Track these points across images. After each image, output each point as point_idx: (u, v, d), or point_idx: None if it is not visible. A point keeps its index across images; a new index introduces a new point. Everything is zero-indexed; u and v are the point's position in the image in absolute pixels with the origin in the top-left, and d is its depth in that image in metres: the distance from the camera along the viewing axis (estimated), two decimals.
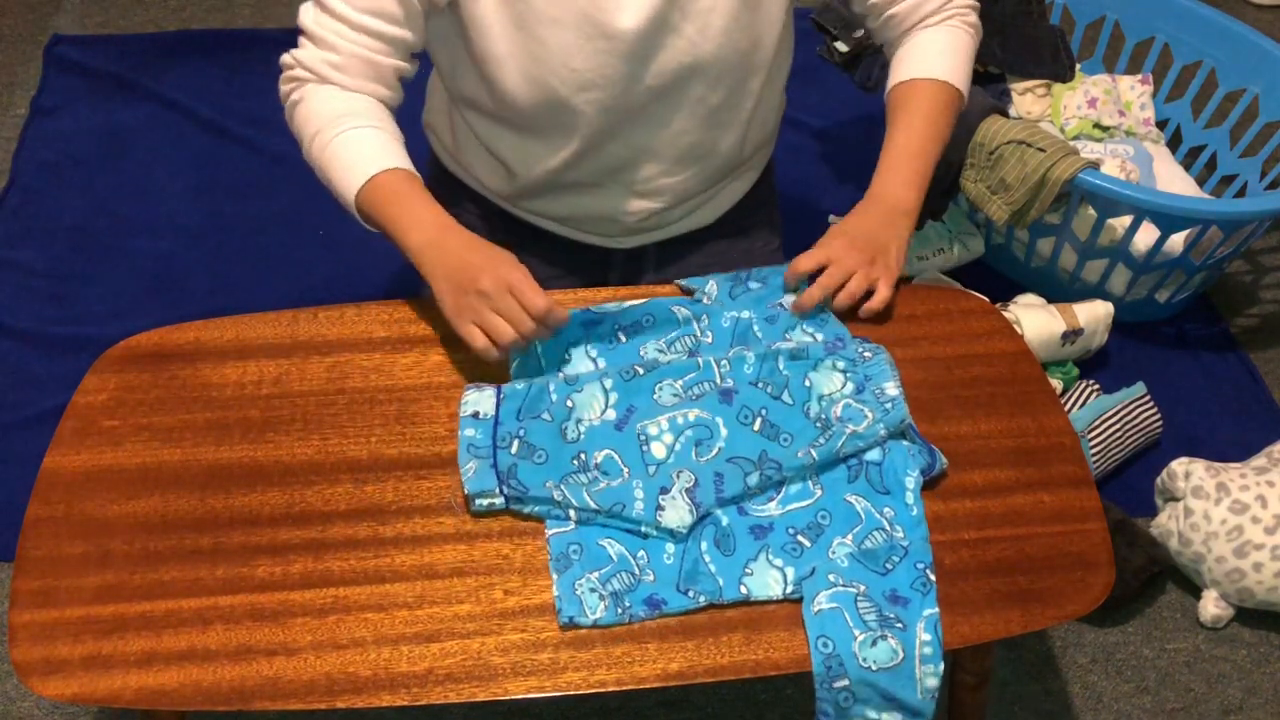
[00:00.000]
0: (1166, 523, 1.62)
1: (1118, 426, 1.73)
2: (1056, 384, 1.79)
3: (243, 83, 2.41)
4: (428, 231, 1.08)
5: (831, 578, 0.93)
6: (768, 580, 0.94)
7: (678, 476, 0.98)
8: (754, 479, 0.99)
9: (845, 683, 0.90)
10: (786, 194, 1.50)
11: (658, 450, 1.01)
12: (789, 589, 0.94)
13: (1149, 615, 1.64)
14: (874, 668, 0.90)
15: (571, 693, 0.88)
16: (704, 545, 0.96)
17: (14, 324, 1.91)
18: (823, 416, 1.03)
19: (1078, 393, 1.77)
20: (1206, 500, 1.57)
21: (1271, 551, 1.54)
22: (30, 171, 2.19)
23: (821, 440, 1.01)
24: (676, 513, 0.96)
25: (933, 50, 1.23)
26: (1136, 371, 1.93)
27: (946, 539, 0.99)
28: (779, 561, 0.95)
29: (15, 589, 0.92)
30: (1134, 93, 2.18)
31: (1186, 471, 1.60)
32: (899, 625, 0.91)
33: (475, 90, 1.20)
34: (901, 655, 0.90)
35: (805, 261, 1.14)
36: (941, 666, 0.91)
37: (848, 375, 1.05)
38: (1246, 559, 1.55)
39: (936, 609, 0.92)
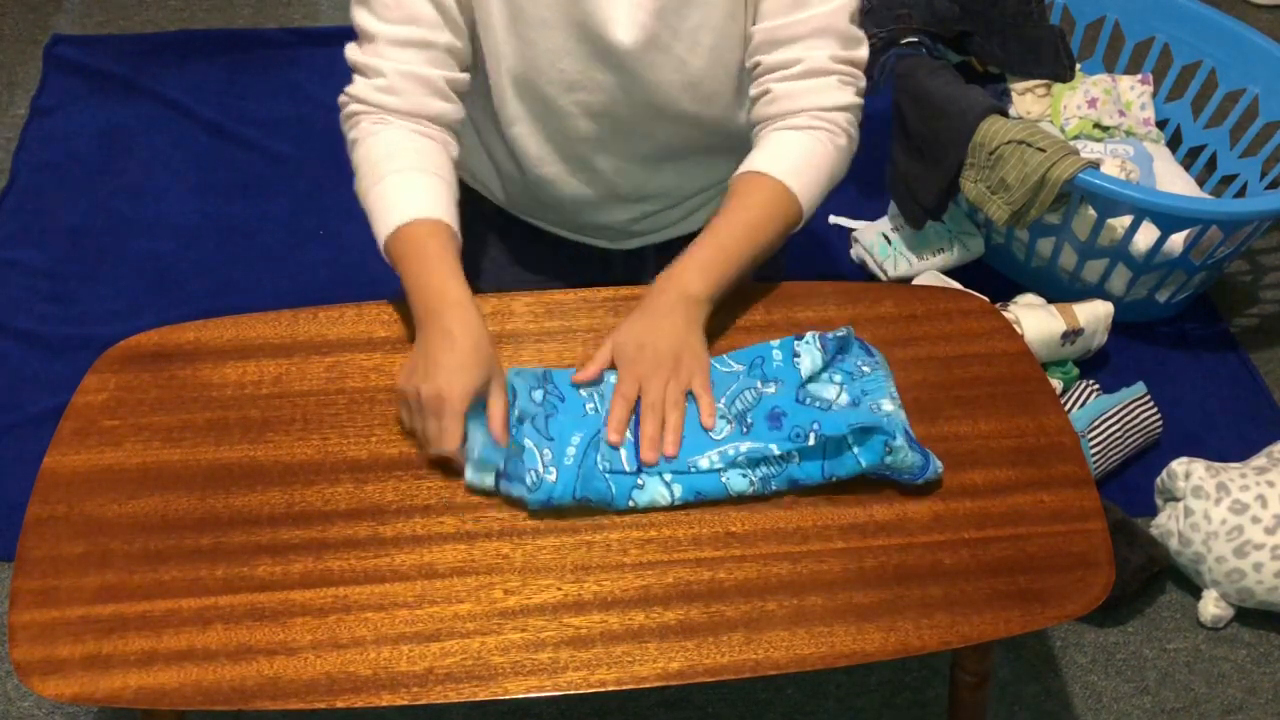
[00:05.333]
0: (1166, 523, 1.62)
1: (1118, 426, 1.73)
2: (1056, 384, 1.79)
3: (243, 83, 2.41)
4: (421, 304, 1.03)
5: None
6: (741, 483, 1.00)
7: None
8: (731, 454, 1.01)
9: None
10: None
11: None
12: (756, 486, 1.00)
13: (1149, 615, 1.64)
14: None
15: (571, 692, 0.88)
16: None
17: (14, 324, 1.91)
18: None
19: (1078, 393, 1.77)
20: (1206, 500, 1.57)
21: (1271, 551, 1.54)
22: (30, 171, 2.19)
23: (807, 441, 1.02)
24: (650, 494, 0.99)
25: (790, 152, 1.13)
26: (1136, 371, 1.93)
27: (946, 539, 0.99)
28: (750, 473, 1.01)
29: (15, 589, 0.92)
30: (1134, 93, 2.18)
31: (1186, 471, 1.60)
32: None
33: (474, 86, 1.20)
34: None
35: (623, 389, 1.02)
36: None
37: (843, 388, 1.05)
38: (1246, 559, 1.55)
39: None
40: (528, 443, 0.99)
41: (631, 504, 0.99)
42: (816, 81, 1.14)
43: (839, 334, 1.07)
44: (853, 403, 1.03)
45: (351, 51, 1.12)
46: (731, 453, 0.99)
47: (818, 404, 1.02)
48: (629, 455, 1.00)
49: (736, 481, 1.00)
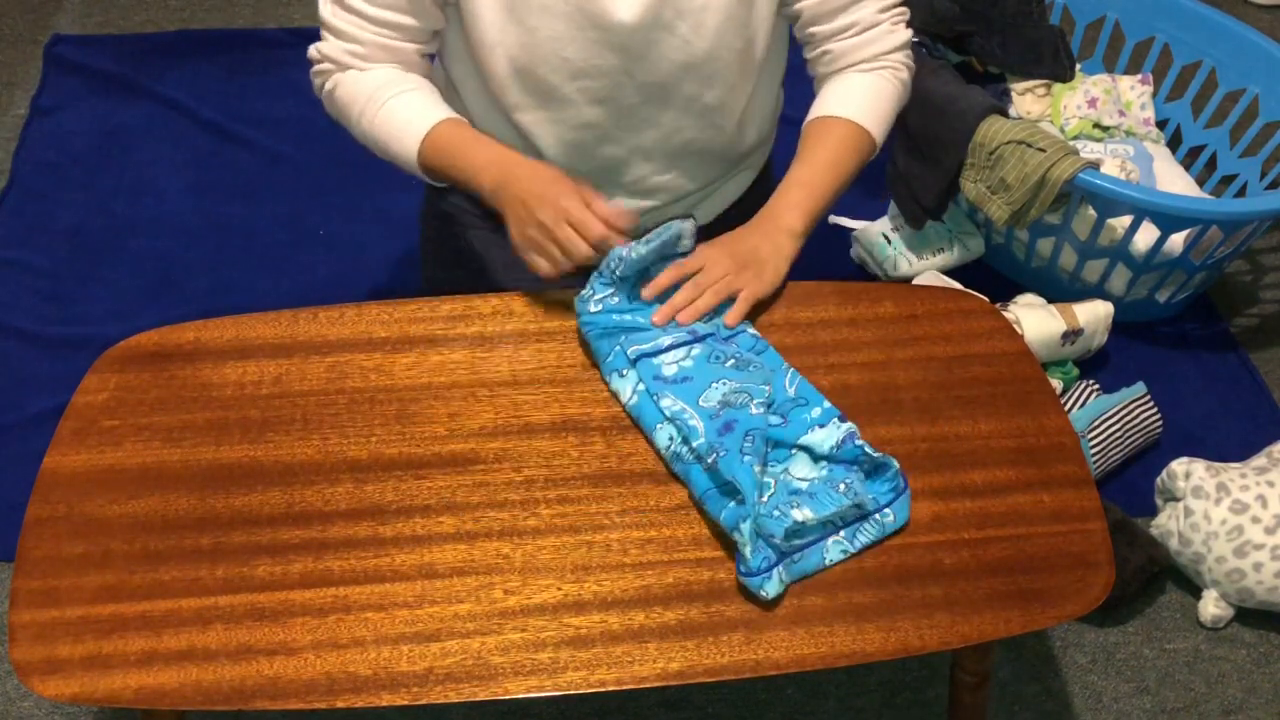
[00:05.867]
0: (1166, 523, 1.62)
1: (1118, 426, 1.73)
2: (1056, 384, 1.79)
3: (243, 83, 2.41)
4: (492, 174, 1.13)
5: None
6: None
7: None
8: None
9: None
10: None
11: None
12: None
13: (1149, 615, 1.64)
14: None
15: (571, 692, 0.88)
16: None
17: (14, 324, 1.91)
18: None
19: (1078, 393, 1.77)
20: (1206, 500, 1.57)
21: (1271, 551, 1.54)
22: (30, 171, 2.19)
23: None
24: (622, 385, 1.07)
25: (856, 92, 1.22)
26: (1136, 371, 1.93)
27: (946, 539, 0.99)
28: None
29: (15, 589, 0.92)
30: (1134, 93, 2.18)
31: (1186, 471, 1.60)
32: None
33: (469, 75, 1.21)
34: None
35: (687, 264, 1.13)
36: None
37: (819, 480, 1.00)
38: (1246, 559, 1.55)
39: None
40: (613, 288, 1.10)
41: (606, 378, 1.09)
42: (871, 34, 1.22)
43: (879, 456, 0.99)
44: (806, 494, 0.98)
45: (325, 10, 1.17)
46: (684, 413, 1.01)
47: (772, 460, 1.01)
48: (652, 343, 1.07)
49: (661, 436, 1.03)
